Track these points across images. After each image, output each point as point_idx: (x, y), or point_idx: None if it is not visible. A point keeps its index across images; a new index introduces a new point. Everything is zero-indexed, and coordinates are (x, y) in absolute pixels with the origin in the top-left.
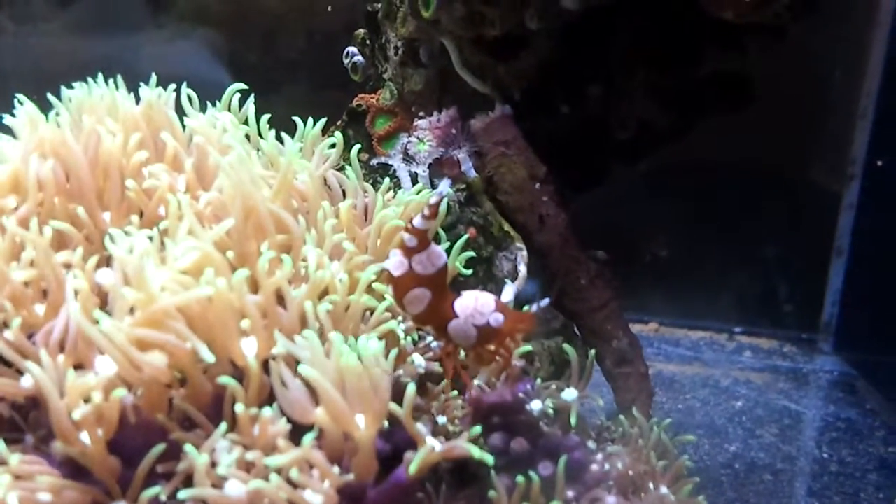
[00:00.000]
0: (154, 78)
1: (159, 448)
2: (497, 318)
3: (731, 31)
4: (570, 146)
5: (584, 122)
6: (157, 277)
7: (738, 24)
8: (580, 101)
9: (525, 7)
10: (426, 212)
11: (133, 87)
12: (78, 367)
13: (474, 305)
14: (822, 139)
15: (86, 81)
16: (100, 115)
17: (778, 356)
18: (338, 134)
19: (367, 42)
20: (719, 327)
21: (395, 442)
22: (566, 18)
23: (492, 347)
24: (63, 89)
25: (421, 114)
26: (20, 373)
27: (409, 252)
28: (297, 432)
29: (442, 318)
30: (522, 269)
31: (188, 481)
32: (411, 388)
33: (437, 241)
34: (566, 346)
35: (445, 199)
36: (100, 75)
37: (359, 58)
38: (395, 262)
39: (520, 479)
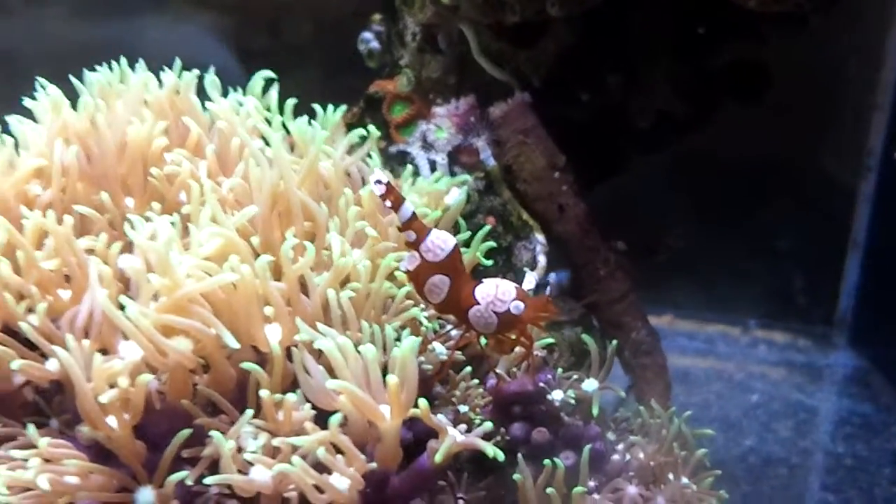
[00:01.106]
0: (178, 63)
1: (186, 432)
2: (518, 306)
3: (751, 19)
4: (588, 135)
5: (603, 110)
6: (182, 263)
7: (758, 13)
8: (600, 89)
9: None
10: (388, 203)
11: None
12: (102, 351)
13: (495, 293)
14: (839, 131)
15: (91, 64)
16: (129, 100)
17: (793, 350)
18: (371, 128)
19: (383, 28)
20: (734, 321)
21: (417, 430)
22: (587, 5)
23: (513, 335)
24: (86, 73)
25: (438, 101)
26: (45, 358)
27: (414, 245)
28: (320, 419)
29: (463, 305)
30: (542, 258)
31: (213, 467)
32: (423, 402)
33: (457, 230)
34: (585, 337)
35: (465, 188)
36: (123, 60)
37: (374, 43)
38: (408, 258)
39: (546, 462)
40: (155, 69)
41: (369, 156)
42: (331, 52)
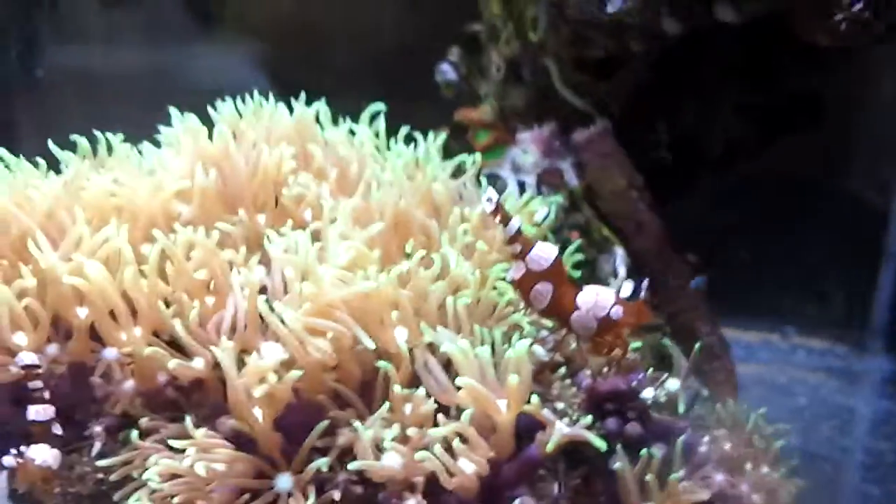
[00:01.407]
0: (303, 95)
1: (324, 424)
2: (617, 311)
3: (813, 52)
4: (661, 159)
5: (675, 137)
6: (326, 273)
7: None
8: (673, 118)
9: (628, 30)
10: (497, 218)
11: (186, 99)
12: (243, 351)
13: (596, 299)
14: (872, 148)
15: (153, 83)
16: (259, 129)
17: (831, 356)
18: (477, 155)
19: (459, 59)
20: (773, 328)
21: (522, 424)
22: (666, 41)
23: (608, 338)
24: (219, 104)
25: (521, 128)
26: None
27: (520, 256)
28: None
29: (565, 310)
30: (622, 270)
31: (342, 456)
32: (535, 398)
33: None
34: (666, 341)
35: (553, 205)
36: (256, 94)
37: (452, 74)
38: (514, 269)
39: (643, 452)
40: (204, 91)
41: (476, 179)
42: (373, 81)
